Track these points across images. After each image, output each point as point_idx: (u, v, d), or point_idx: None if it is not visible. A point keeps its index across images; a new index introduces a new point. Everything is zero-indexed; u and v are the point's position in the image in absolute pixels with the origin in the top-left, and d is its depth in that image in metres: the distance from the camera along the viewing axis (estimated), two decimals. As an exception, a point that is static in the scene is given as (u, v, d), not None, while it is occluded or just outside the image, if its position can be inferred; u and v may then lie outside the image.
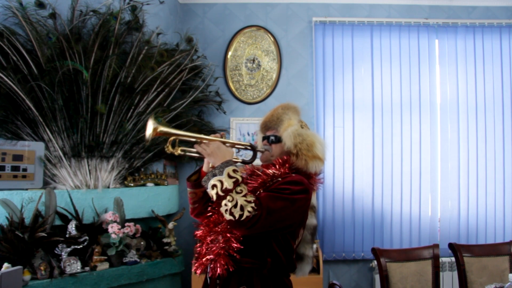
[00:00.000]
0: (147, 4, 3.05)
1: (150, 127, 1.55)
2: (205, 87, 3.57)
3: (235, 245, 1.55)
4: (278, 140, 1.73)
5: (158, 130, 1.56)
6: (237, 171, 1.52)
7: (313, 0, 3.84)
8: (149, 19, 3.10)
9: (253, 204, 1.46)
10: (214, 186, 1.50)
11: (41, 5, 2.68)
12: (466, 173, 3.73)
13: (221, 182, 1.49)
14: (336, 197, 3.69)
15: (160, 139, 3.07)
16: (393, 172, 3.71)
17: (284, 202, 1.53)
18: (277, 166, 1.66)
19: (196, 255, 1.68)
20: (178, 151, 1.66)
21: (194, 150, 1.65)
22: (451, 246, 2.68)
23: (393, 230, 3.69)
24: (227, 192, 1.47)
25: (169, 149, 1.64)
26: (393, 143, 3.73)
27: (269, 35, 3.83)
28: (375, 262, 3.06)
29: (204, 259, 1.61)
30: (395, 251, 2.65)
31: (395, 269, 2.54)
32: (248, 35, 3.84)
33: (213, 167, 1.56)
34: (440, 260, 3.12)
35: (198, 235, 1.67)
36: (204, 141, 1.63)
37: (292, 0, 3.84)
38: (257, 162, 1.78)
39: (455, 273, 3.45)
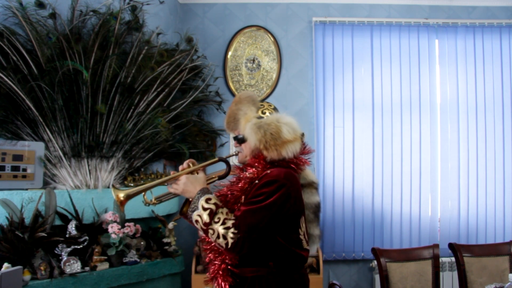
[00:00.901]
0: (147, 4, 3.05)
1: (115, 197, 1.56)
2: (205, 87, 3.57)
3: (230, 260, 1.56)
4: (243, 139, 1.67)
5: (121, 198, 1.56)
6: (210, 200, 1.51)
7: (313, 0, 3.84)
8: (149, 19, 3.10)
9: (232, 229, 1.45)
10: (196, 221, 1.51)
11: (41, 5, 2.68)
12: (466, 173, 3.73)
13: (200, 216, 1.49)
14: (336, 197, 3.69)
15: (160, 139, 3.07)
16: (393, 172, 3.71)
17: (262, 211, 1.49)
18: (254, 165, 1.61)
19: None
20: (154, 201, 1.65)
21: (168, 193, 1.64)
22: (451, 246, 2.67)
23: (393, 230, 3.69)
24: (207, 225, 1.48)
25: (146, 201, 1.64)
26: (393, 143, 3.73)
27: (269, 35, 3.83)
28: (375, 262, 3.06)
29: (206, 278, 1.64)
30: (395, 251, 2.65)
31: (395, 269, 2.54)
32: (248, 35, 3.84)
33: (191, 200, 1.56)
34: (440, 260, 3.12)
35: (205, 248, 1.67)
36: (174, 179, 1.60)
37: (292, 0, 3.84)
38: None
39: (455, 273, 3.45)
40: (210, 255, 1.63)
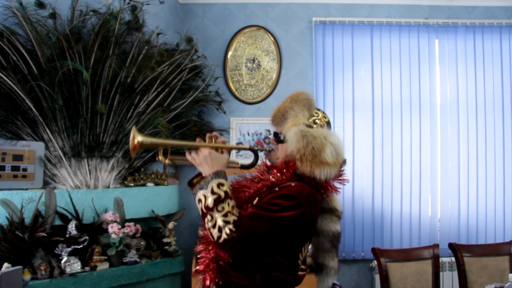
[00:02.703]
0: (147, 4, 3.05)
1: (131, 138, 1.46)
2: (205, 87, 3.57)
3: (225, 256, 1.44)
4: (284, 140, 1.54)
5: (135, 142, 1.45)
6: (223, 185, 1.40)
7: (313, 0, 3.84)
8: (149, 19, 3.10)
9: (231, 226, 1.33)
10: (199, 200, 1.41)
11: (41, 5, 2.68)
12: (466, 173, 3.73)
13: (205, 197, 1.38)
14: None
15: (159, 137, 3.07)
16: (393, 172, 3.71)
17: (270, 221, 1.38)
18: (281, 171, 1.50)
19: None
20: (167, 161, 1.54)
21: (185, 158, 1.52)
22: (451, 246, 2.68)
23: (393, 230, 3.69)
24: (208, 210, 1.37)
25: (159, 157, 1.53)
26: (393, 143, 3.73)
27: (269, 35, 3.83)
28: (375, 262, 3.06)
29: (194, 270, 1.55)
30: (395, 251, 2.65)
31: (395, 269, 2.54)
32: (248, 35, 3.84)
33: (204, 177, 1.45)
34: (440, 260, 3.12)
35: (202, 236, 1.58)
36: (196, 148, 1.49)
37: (292, 0, 3.84)
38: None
39: (455, 273, 3.45)
40: (204, 245, 1.54)
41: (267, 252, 1.45)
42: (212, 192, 1.38)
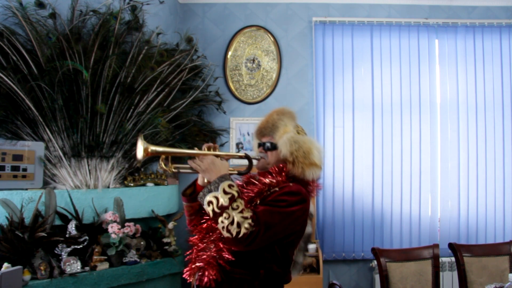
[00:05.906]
0: (147, 4, 3.05)
1: (141, 148, 1.50)
2: (205, 87, 3.57)
3: (227, 256, 1.50)
4: (274, 147, 1.69)
5: (149, 150, 1.51)
6: (233, 186, 1.49)
7: (313, 0, 3.84)
8: (149, 19, 3.10)
9: (250, 221, 1.43)
10: (210, 202, 1.46)
11: (41, 5, 2.68)
12: (466, 173, 3.73)
13: (217, 198, 1.45)
14: (336, 197, 3.69)
15: (160, 139, 3.07)
16: (393, 172, 3.71)
17: (282, 215, 1.51)
18: (273, 175, 1.63)
19: (186, 260, 1.64)
20: (172, 168, 1.60)
21: (188, 166, 1.60)
22: (451, 246, 2.68)
23: (393, 230, 3.69)
24: (223, 209, 1.44)
25: (162, 166, 1.58)
26: (393, 143, 3.73)
27: (269, 35, 3.83)
28: (375, 262, 3.06)
29: (193, 266, 1.57)
30: (395, 251, 2.65)
31: (395, 269, 2.54)
32: (248, 35, 3.84)
33: (208, 182, 1.53)
34: (440, 260, 3.12)
35: (192, 240, 1.64)
36: (198, 156, 1.58)
37: (292, 0, 3.84)
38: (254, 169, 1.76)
39: (455, 273, 3.45)
40: (203, 245, 1.58)
41: (269, 247, 1.55)
42: (225, 192, 1.46)
